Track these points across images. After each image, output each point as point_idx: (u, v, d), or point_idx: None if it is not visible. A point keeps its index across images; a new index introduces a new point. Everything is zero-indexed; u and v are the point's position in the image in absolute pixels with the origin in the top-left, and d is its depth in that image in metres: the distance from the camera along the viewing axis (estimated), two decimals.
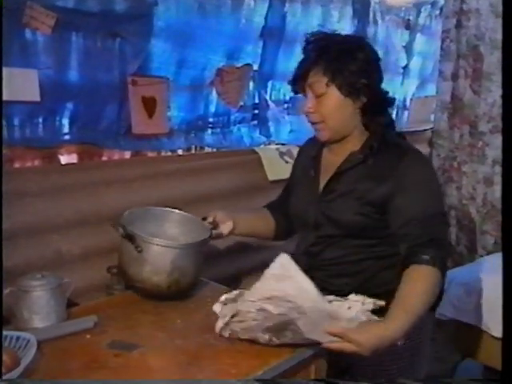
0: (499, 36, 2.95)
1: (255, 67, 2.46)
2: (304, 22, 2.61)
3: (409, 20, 3.43)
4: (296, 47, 2.62)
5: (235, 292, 1.37)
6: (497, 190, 3.08)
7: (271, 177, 2.28)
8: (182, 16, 2.08)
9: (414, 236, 1.36)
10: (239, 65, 2.35)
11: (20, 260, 1.56)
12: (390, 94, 1.51)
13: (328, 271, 1.51)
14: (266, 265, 1.27)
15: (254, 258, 2.20)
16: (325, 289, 1.45)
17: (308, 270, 1.47)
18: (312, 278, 1.45)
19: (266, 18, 2.40)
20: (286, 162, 2.37)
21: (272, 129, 2.60)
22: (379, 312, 1.26)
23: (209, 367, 1.26)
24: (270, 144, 2.62)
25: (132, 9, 1.90)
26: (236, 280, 2.18)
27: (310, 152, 1.61)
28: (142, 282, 1.54)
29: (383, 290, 1.34)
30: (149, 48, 2.02)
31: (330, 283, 1.49)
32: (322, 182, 1.52)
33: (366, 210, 1.42)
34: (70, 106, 1.85)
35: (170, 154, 2.26)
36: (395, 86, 3.40)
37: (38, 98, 1.69)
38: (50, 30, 1.68)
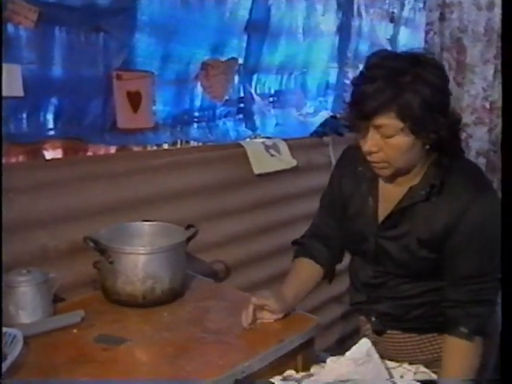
0: (481, 29, 2.98)
1: (240, 61, 2.46)
2: (288, 15, 2.61)
3: (393, 13, 3.45)
4: (281, 40, 2.63)
5: (302, 373, 1.31)
6: None
7: (257, 170, 2.29)
8: (166, 10, 2.07)
9: (461, 293, 1.32)
10: (224, 59, 2.34)
11: (6, 256, 1.55)
12: (458, 115, 1.34)
13: (387, 303, 1.47)
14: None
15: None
16: (383, 320, 1.49)
17: (367, 303, 1.50)
18: (372, 310, 1.50)
19: (250, 12, 2.39)
20: (272, 156, 2.38)
21: (257, 122, 2.60)
22: None
23: (196, 359, 1.27)
24: (255, 138, 2.62)
25: (115, 3, 1.89)
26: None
27: (364, 171, 1.42)
28: (117, 293, 1.54)
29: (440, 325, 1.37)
30: (133, 42, 2.00)
31: (389, 315, 1.48)
32: (381, 213, 1.40)
33: (424, 253, 1.34)
34: (54, 101, 1.84)
35: (155, 148, 2.26)
36: None
37: (21, 94, 1.67)
38: (32, 24, 1.67)
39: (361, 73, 1.27)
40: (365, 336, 1.56)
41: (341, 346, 2.72)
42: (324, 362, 1.34)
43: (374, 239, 1.41)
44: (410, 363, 1.35)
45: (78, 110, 1.91)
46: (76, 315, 1.44)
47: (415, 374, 1.30)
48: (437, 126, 1.24)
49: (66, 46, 1.79)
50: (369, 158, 1.30)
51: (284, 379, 1.28)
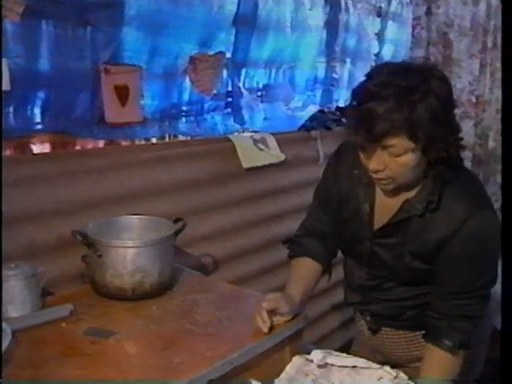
0: (467, 23, 3.01)
1: (228, 55, 2.47)
2: (276, 9, 2.62)
3: (380, 7, 3.47)
4: (268, 35, 2.64)
5: None
6: None
7: (245, 164, 2.30)
8: (153, 4, 2.07)
9: (447, 307, 1.33)
10: (212, 53, 2.35)
11: None
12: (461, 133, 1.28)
13: (381, 304, 1.48)
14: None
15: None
16: (377, 319, 1.51)
17: (362, 303, 1.53)
18: (366, 310, 1.52)
19: (238, 6, 2.40)
20: (260, 150, 2.39)
21: (246, 116, 2.62)
22: None
23: (184, 351, 1.28)
24: (243, 132, 2.63)
25: None
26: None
27: (360, 175, 1.38)
28: (106, 287, 1.54)
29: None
30: (121, 36, 2.00)
31: (383, 315, 1.50)
32: (377, 220, 1.40)
33: (418, 264, 1.35)
34: (41, 95, 1.84)
35: (143, 142, 2.26)
36: None
37: (8, 88, 1.67)
38: (18, 17, 1.66)
39: (367, 89, 1.20)
40: (360, 331, 1.59)
41: (329, 340, 2.75)
42: (309, 353, 1.37)
43: (368, 244, 1.42)
44: (393, 366, 1.36)
45: (66, 104, 1.91)
46: (65, 309, 1.44)
47: (395, 378, 1.32)
48: (446, 143, 1.21)
49: (53, 39, 1.79)
50: (374, 175, 1.27)
51: None
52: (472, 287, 1.31)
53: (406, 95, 1.15)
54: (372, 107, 1.16)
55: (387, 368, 1.33)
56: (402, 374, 1.33)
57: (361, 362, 1.34)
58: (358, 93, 1.23)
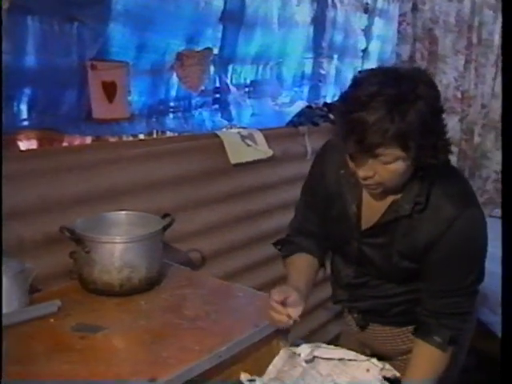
0: (452, 19, 3.04)
1: (215, 51, 2.47)
2: (263, 5, 2.63)
3: (367, 4, 3.48)
4: (256, 31, 2.64)
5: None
6: None
7: (233, 160, 2.31)
8: (140, 0, 2.07)
9: (437, 305, 1.35)
10: (199, 49, 2.35)
11: None
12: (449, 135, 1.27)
13: (369, 301, 1.50)
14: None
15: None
16: (365, 316, 1.53)
17: (350, 300, 1.54)
18: (354, 307, 1.54)
19: (225, 2, 2.40)
20: (248, 146, 2.40)
21: (233, 112, 2.62)
22: None
23: (172, 345, 1.29)
24: (231, 128, 2.63)
25: None
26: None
27: (347, 175, 1.38)
28: (94, 282, 1.54)
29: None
30: (108, 32, 2.00)
31: (371, 312, 1.51)
32: (364, 221, 1.40)
33: (406, 264, 1.36)
34: (27, 91, 1.83)
35: (131, 138, 2.26)
36: (355, 69, 3.45)
37: None
38: (4, 13, 1.65)
39: (357, 98, 1.18)
40: (349, 326, 1.61)
41: (318, 335, 2.76)
42: (298, 345, 1.38)
43: (356, 243, 1.43)
44: (380, 358, 1.38)
45: (53, 101, 1.90)
46: (52, 305, 1.45)
47: (382, 370, 1.34)
48: (435, 150, 1.21)
49: (39, 35, 1.78)
50: (363, 182, 1.27)
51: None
52: (461, 285, 1.33)
53: (397, 104, 1.14)
54: (363, 117, 1.14)
55: (374, 360, 1.35)
56: (388, 366, 1.35)
57: (348, 354, 1.36)
58: (348, 100, 1.22)
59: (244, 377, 1.32)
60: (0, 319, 1.14)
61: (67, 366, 1.20)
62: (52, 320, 1.40)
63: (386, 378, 1.34)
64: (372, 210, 1.38)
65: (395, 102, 1.14)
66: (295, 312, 1.33)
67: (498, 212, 2.98)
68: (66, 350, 1.27)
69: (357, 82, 1.22)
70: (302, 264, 1.52)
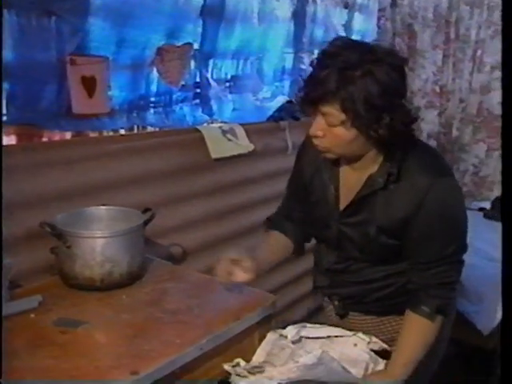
0: (430, 14, 3.08)
1: (196, 46, 2.47)
2: (243, 0, 2.63)
3: None
4: (236, 26, 2.65)
5: (253, 365, 1.34)
6: None
7: (214, 155, 2.31)
8: None
9: (423, 277, 1.36)
10: (179, 44, 2.35)
11: None
12: (413, 112, 1.30)
13: (349, 287, 1.51)
14: None
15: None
16: (345, 303, 1.54)
17: (330, 287, 1.55)
18: (334, 294, 1.54)
19: None
20: (229, 140, 2.40)
21: (214, 107, 2.63)
22: None
23: (154, 339, 1.30)
24: (212, 122, 2.64)
25: None
26: None
27: (325, 159, 1.42)
28: (75, 277, 1.55)
29: (399, 307, 1.43)
30: (87, 27, 1.99)
31: (351, 298, 1.52)
32: (342, 200, 1.43)
33: (385, 240, 1.38)
34: (6, 86, 1.81)
35: (111, 133, 2.25)
36: None
37: None
38: None
39: (317, 58, 1.28)
40: (328, 317, 1.63)
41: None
42: (284, 328, 1.40)
43: (335, 226, 1.45)
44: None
45: (32, 96, 1.89)
46: (33, 300, 1.44)
47: (369, 343, 1.36)
48: (380, 125, 1.23)
49: (17, 30, 1.77)
50: (314, 140, 1.34)
51: (234, 366, 1.32)
52: (443, 254, 1.34)
53: (348, 68, 1.20)
54: (315, 73, 1.25)
55: (360, 334, 1.37)
56: (375, 339, 1.37)
57: (334, 331, 1.37)
58: (312, 60, 1.32)
59: (227, 366, 1.33)
60: (0, 320, 1.14)
61: (48, 360, 1.20)
62: (33, 315, 1.40)
63: (373, 351, 1.36)
64: (349, 189, 1.41)
65: (347, 66, 1.20)
66: (240, 276, 1.42)
67: (476, 205, 3.03)
68: (47, 344, 1.27)
69: (329, 43, 1.30)
70: (275, 243, 1.58)
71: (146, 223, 1.64)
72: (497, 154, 3.08)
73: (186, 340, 1.29)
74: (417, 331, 1.38)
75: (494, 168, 3.10)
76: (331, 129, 1.27)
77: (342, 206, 1.43)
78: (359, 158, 1.36)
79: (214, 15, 2.50)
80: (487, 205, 2.99)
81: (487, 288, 2.26)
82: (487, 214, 2.89)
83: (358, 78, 1.20)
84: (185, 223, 2.21)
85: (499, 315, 2.22)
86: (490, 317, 2.25)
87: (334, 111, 1.24)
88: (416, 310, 1.37)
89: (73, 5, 1.91)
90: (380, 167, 1.35)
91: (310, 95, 1.26)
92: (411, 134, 1.33)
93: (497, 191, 3.08)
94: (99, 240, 1.54)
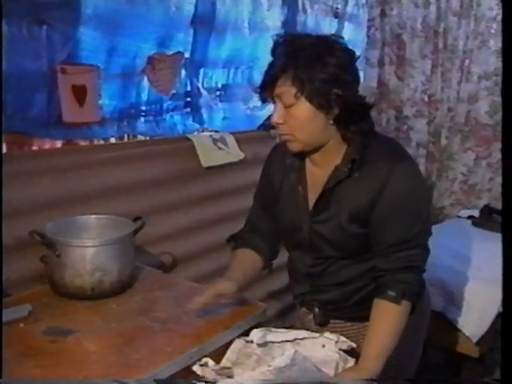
0: (419, 25, 3.11)
1: (186, 55, 2.48)
2: (234, 9, 2.65)
3: (337, 9, 3.53)
4: (227, 35, 2.66)
5: (222, 365, 1.31)
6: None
7: (205, 163, 2.32)
8: (110, 3, 2.07)
9: (389, 262, 1.37)
10: (170, 53, 2.36)
11: None
12: (368, 99, 1.38)
13: (329, 291, 1.51)
14: None
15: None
16: (326, 309, 1.54)
17: (310, 293, 1.54)
18: (315, 300, 1.54)
19: (196, 6, 2.41)
20: (220, 149, 2.42)
21: (205, 116, 2.64)
22: None
23: (144, 347, 1.30)
24: (203, 131, 2.65)
25: None
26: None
27: (292, 162, 1.48)
28: (65, 286, 1.55)
29: None
30: (77, 36, 1.99)
31: (332, 303, 1.52)
32: (311, 199, 1.45)
33: (356, 230, 1.40)
34: None
35: (102, 142, 2.26)
36: None
37: None
38: None
39: (271, 48, 1.36)
40: (308, 328, 1.62)
41: None
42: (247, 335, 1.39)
43: (307, 226, 1.46)
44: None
45: (23, 104, 1.89)
46: (23, 309, 1.44)
47: (336, 342, 1.35)
48: (337, 102, 1.30)
49: (7, 38, 1.77)
50: (278, 130, 1.39)
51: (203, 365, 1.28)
52: (408, 236, 1.36)
53: (296, 50, 1.29)
54: (269, 63, 1.34)
55: (327, 334, 1.34)
56: (342, 338, 1.34)
57: (300, 333, 1.35)
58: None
59: (195, 366, 1.30)
60: (0, 319, 1.13)
61: (38, 369, 1.21)
62: (22, 325, 1.40)
63: (342, 350, 1.35)
64: (317, 186, 1.43)
65: (296, 48, 1.30)
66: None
67: (464, 213, 3.05)
68: (37, 353, 1.27)
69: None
70: (246, 260, 1.58)
71: (136, 232, 1.65)
72: (485, 162, 3.10)
73: (175, 349, 1.30)
74: (385, 318, 1.37)
75: (482, 176, 3.12)
76: (289, 111, 1.32)
77: (311, 204, 1.45)
78: (324, 150, 1.39)
79: (205, 24, 2.51)
80: (476, 213, 3.01)
81: (476, 295, 2.27)
82: (476, 222, 2.91)
83: (308, 56, 1.28)
84: (175, 231, 2.22)
85: (488, 323, 2.24)
86: (478, 324, 2.26)
87: (286, 88, 1.30)
88: (382, 295, 1.37)
89: (64, 14, 1.92)
90: (344, 158, 1.39)
91: (264, 80, 1.34)
92: (370, 121, 1.39)
93: (485, 199, 3.10)
94: (89, 249, 1.54)
